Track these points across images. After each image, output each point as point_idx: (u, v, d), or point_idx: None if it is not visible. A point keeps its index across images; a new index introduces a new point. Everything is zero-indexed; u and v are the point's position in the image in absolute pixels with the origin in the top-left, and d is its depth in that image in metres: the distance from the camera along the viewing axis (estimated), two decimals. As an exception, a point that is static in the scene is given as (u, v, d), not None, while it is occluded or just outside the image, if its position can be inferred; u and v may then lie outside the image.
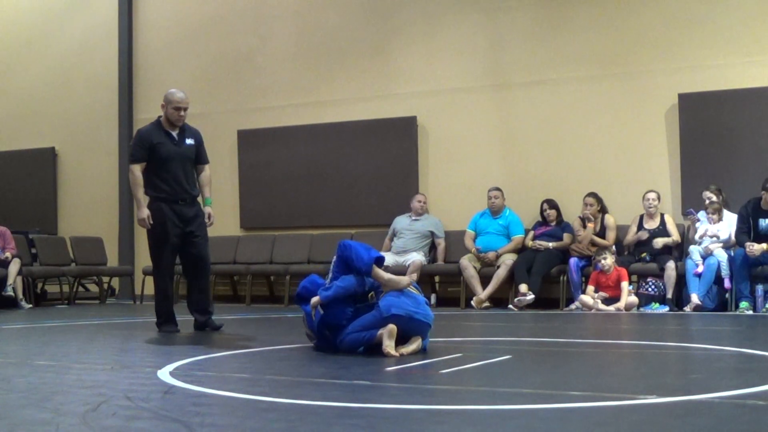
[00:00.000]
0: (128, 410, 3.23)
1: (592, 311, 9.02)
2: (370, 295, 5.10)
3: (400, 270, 9.95)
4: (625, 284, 9.10)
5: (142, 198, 6.70)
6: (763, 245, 8.68)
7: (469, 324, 7.97)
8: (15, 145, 13.89)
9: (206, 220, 6.91)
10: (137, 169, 6.74)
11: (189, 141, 6.88)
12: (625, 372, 4.54)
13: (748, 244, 8.69)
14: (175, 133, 6.82)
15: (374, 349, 4.91)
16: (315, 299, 5.15)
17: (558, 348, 5.62)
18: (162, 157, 6.73)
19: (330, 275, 5.23)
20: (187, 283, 7.09)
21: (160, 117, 6.89)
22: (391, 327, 4.83)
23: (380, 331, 4.85)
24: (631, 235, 9.64)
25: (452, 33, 11.22)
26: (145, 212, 6.66)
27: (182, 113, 6.78)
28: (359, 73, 11.72)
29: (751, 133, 9.79)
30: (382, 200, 11.30)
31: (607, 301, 9.08)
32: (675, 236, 9.50)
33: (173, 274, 7.07)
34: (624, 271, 9.19)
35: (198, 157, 6.96)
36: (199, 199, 7.01)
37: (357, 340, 4.98)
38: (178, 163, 6.78)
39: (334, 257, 5.25)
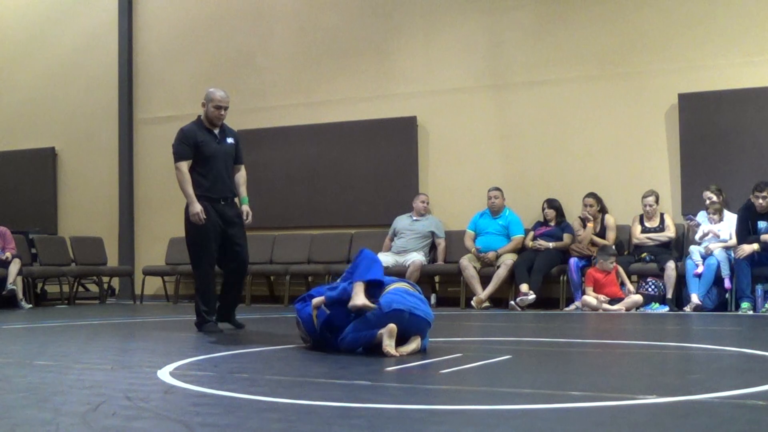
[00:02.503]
0: (128, 410, 3.23)
1: (599, 311, 9.01)
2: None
3: (400, 270, 9.96)
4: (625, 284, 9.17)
5: (193, 194, 6.72)
6: (754, 245, 8.69)
7: (469, 324, 7.97)
8: (15, 145, 13.89)
9: (244, 218, 6.98)
10: (184, 166, 6.78)
11: (230, 140, 6.98)
12: (625, 372, 4.53)
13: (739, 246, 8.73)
14: (216, 132, 6.90)
15: (374, 348, 4.90)
16: (318, 299, 5.16)
17: (558, 348, 5.62)
18: (205, 154, 6.80)
19: (344, 274, 5.24)
20: (223, 282, 7.11)
21: (200, 116, 6.95)
22: (391, 327, 4.82)
23: (380, 331, 4.84)
24: (638, 232, 9.65)
25: (452, 33, 11.22)
26: (198, 207, 6.68)
27: (222, 112, 6.86)
28: (359, 73, 11.72)
29: (751, 133, 9.79)
30: (382, 200, 11.30)
31: (611, 302, 9.08)
32: (671, 232, 9.53)
33: (214, 272, 7.04)
34: (617, 266, 9.24)
35: (236, 157, 7.04)
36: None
37: (357, 339, 4.97)
38: (220, 160, 6.86)
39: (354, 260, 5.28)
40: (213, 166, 6.81)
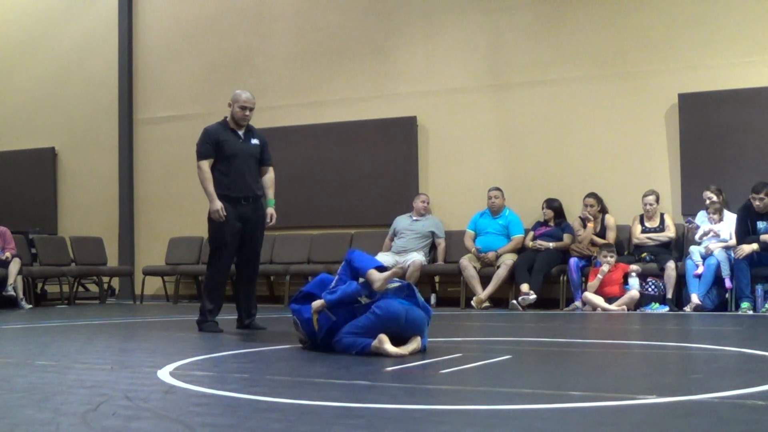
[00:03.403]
0: (128, 410, 3.23)
1: (598, 310, 9.01)
2: (361, 298, 5.08)
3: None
4: (631, 279, 9.16)
5: (213, 192, 6.75)
6: (753, 245, 8.69)
7: (469, 324, 7.97)
8: (15, 145, 13.89)
9: (268, 220, 6.99)
10: (205, 165, 6.81)
11: (255, 141, 6.98)
12: (625, 372, 4.53)
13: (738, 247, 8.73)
14: (241, 132, 6.93)
15: (369, 353, 4.92)
16: (318, 303, 5.15)
17: (558, 348, 5.62)
18: (227, 154, 6.82)
19: (336, 277, 5.24)
20: (236, 281, 7.12)
21: (226, 117, 6.98)
22: (381, 337, 4.86)
23: (373, 344, 4.86)
24: (638, 233, 9.65)
25: (452, 33, 11.22)
26: (218, 204, 6.72)
27: (248, 113, 6.90)
28: (359, 73, 11.72)
29: (751, 133, 9.79)
30: (382, 200, 11.30)
31: (610, 300, 9.08)
32: (671, 233, 9.54)
33: (228, 274, 7.08)
34: (623, 265, 9.24)
35: (263, 158, 7.04)
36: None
37: (351, 345, 4.97)
38: (242, 160, 6.86)
39: (343, 263, 5.27)
40: (234, 166, 6.83)
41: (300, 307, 5.35)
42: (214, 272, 6.92)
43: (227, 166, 6.82)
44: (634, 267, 9.21)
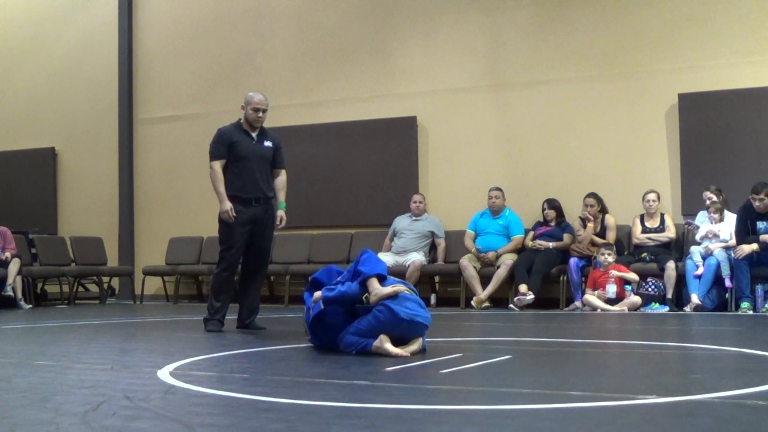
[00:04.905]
0: (128, 410, 3.23)
1: (598, 311, 9.01)
2: (364, 296, 5.09)
3: (400, 270, 9.96)
4: (627, 279, 9.14)
5: (224, 192, 6.80)
6: (753, 246, 8.69)
7: (469, 324, 7.97)
8: (15, 145, 13.89)
9: (278, 223, 7.05)
10: (217, 165, 6.86)
11: (267, 143, 7.01)
12: (625, 372, 4.53)
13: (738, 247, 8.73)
14: (254, 134, 6.95)
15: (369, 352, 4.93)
16: (317, 294, 5.21)
17: (558, 348, 5.62)
18: (239, 155, 6.85)
19: (344, 273, 5.29)
20: (242, 279, 7.13)
21: (240, 119, 7.01)
22: (382, 336, 4.88)
23: (374, 345, 4.87)
24: (638, 233, 9.65)
25: (452, 33, 11.22)
26: (228, 205, 6.76)
27: (260, 115, 6.92)
28: (359, 73, 11.72)
29: (751, 133, 9.79)
30: (382, 200, 11.30)
31: (611, 301, 9.08)
32: (671, 233, 9.54)
33: (235, 274, 7.11)
34: (621, 266, 9.22)
35: (275, 160, 7.09)
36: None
37: (352, 344, 4.99)
38: (255, 162, 6.90)
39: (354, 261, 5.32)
40: (246, 167, 6.86)
41: (308, 296, 5.42)
42: (222, 271, 6.94)
43: (239, 168, 6.86)
44: (614, 273, 9.16)
